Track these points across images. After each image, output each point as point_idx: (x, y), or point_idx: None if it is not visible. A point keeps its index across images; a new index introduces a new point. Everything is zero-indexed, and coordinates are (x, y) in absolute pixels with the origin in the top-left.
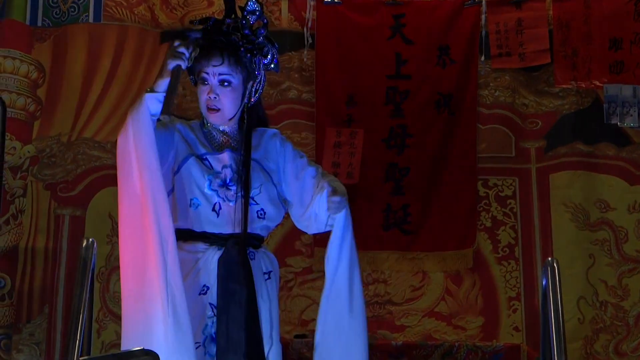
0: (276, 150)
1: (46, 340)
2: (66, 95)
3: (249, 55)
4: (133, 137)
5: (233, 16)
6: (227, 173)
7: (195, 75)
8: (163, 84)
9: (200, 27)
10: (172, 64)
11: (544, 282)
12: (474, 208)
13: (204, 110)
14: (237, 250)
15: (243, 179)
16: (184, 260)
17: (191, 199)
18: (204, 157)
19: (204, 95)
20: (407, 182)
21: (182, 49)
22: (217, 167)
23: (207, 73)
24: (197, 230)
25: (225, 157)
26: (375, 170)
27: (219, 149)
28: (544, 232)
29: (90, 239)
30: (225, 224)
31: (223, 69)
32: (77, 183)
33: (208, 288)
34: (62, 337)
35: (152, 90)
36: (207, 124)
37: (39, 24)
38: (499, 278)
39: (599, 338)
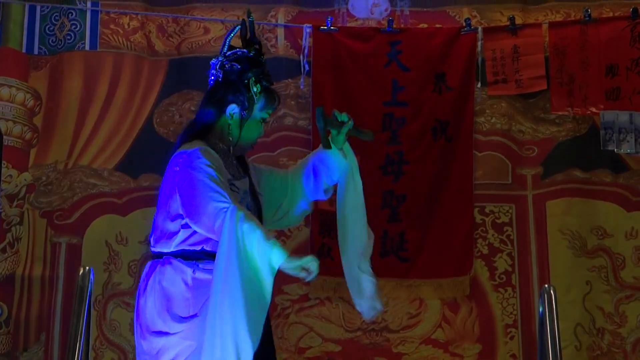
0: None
1: None
2: (62, 122)
3: None
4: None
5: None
6: (248, 199)
7: (252, 108)
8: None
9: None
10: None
11: (540, 309)
12: (470, 235)
13: (252, 142)
14: None
15: (256, 205)
16: (205, 280)
17: None
18: (232, 182)
19: (260, 132)
20: (404, 209)
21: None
22: (241, 192)
23: (269, 114)
24: (211, 250)
25: (246, 182)
26: (372, 197)
27: (237, 176)
28: (541, 259)
29: (87, 267)
30: None
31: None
32: (73, 211)
33: None
34: None
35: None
36: (229, 152)
37: (35, 51)
38: (495, 305)
39: None
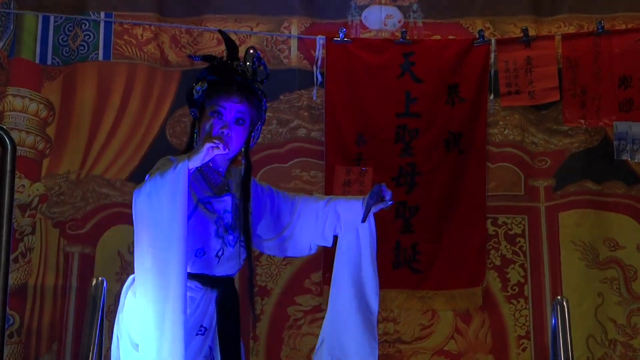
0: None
1: None
2: (75, 133)
3: (258, 100)
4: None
5: (237, 61)
6: (229, 218)
7: (203, 109)
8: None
9: (212, 63)
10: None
11: (553, 321)
12: (483, 246)
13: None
14: (231, 291)
15: (243, 226)
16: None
17: (198, 249)
18: (208, 200)
19: (216, 129)
20: (417, 221)
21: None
22: (220, 211)
23: (225, 108)
24: (194, 272)
25: (227, 201)
26: (385, 209)
27: (218, 192)
28: (553, 270)
29: (100, 278)
30: (222, 268)
31: (241, 107)
32: (86, 221)
33: (206, 329)
34: None
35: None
36: (204, 164)
37: (49, 62)
38: (508, 316)
39: None
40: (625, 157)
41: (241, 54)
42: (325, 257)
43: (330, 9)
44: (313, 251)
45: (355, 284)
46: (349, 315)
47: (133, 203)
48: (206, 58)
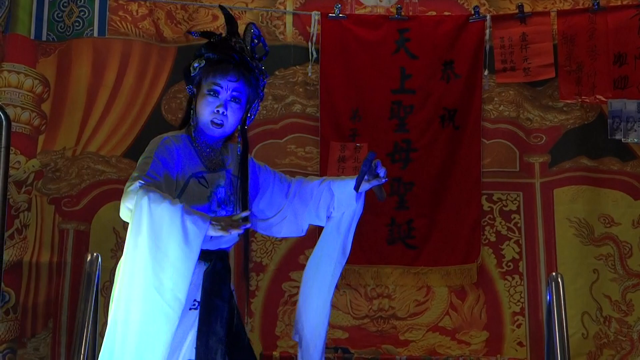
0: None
1: (51, 354)
2: (71, 109)
3: (255, 78)
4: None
5: (236, 38)
6: (222, 193)
7: (200, 86)
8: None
9: (210, 40)
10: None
11: (548, 297)
12: (478, 222)
13: (206, 121)
14: (223, 265)
15: (241, 203)
16: None
17: None
18: (201, 175)
19: (211, 107)
20: (412, 197)
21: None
22: (213, 186)
23: (221, 86)
24: None
25: (221, 176)
26: (379, 198)
27: (212, 167)
28: (548, 246)
29: (95, 254)
30: (214, 242)
31: (237, 85)
32: (81, 197)
33: (199, 303)
34: (66, 352)
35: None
36: (198, 140)
37: (44, 38)
38: (503, 293)
39: (602, 353)
40: (618, 136)
41: (240, 30)
42: (320, 234)
43: None
44: (304, 232)
45: (321, 259)
46: (309, 290)
47: (134, 203)
48: (205, 34)
